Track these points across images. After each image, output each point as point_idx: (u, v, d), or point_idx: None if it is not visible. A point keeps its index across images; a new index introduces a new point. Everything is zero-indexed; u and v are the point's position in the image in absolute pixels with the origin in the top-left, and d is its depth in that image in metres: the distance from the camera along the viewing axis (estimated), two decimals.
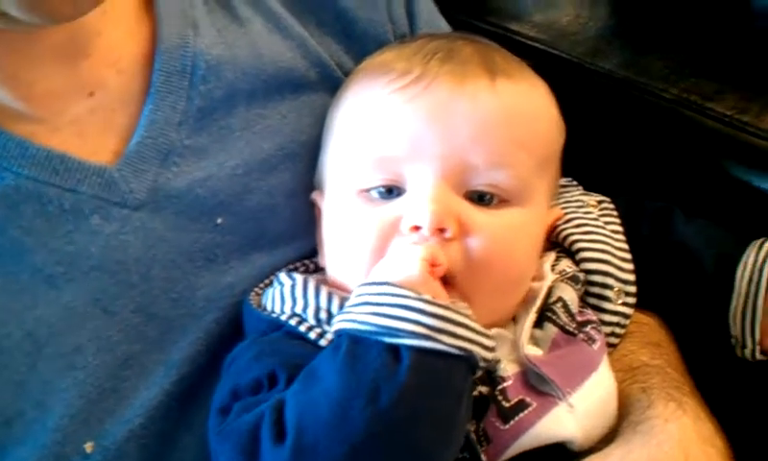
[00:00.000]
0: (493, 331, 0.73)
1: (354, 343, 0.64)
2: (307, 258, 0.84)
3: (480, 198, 0.74)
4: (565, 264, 0.82)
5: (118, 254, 0.75)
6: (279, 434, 0.64)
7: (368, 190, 0.76)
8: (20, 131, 0.74)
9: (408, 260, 0.67)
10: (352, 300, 0.67)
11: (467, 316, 0.64)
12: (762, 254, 0.85)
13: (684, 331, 0.90)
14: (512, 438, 0.70)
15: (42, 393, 0.72)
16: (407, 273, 0.66)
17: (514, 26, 1.22)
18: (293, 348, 0.73)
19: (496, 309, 0.75)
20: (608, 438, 0.73)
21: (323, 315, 0.75)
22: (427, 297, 0.64)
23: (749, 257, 0.86)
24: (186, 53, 0.80)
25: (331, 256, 0.79)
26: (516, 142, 0.75)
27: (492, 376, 0.72)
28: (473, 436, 0.69)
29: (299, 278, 0.78)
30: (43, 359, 0.72)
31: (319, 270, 0.83)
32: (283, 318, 0.76)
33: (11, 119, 0.74)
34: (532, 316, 0.75)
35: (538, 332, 0.76)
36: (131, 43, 0.80)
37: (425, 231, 0.71)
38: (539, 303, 0.76)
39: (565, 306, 0.77)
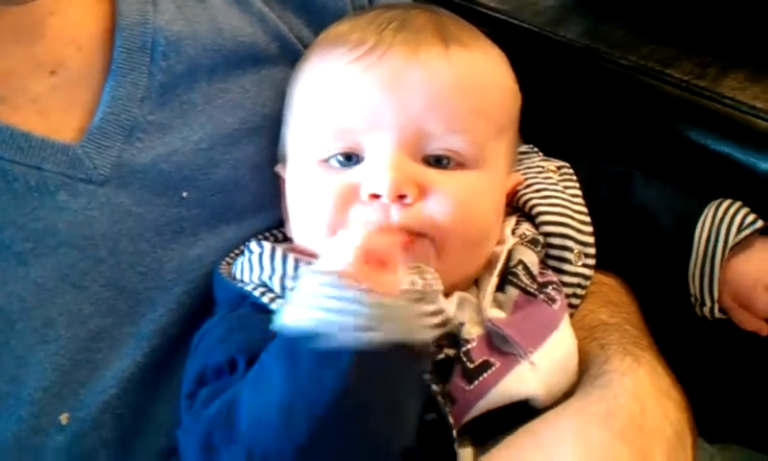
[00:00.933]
0: (456, 295, 0.75)
1: (293, 341, 0.63)
2: (275, 229, 0.85)
3: (437, 161, 0.76)
4: (525, 228, 0.83)
5: (85, 230, 0.76)
6: (231, 438, 0.65)
7: (327, 159, 0.77)
8: None
9: (344, 249, 0.64)
10: (297, 289, 0.65)
11: (406, 302, 0.62)
12: (720, 213, 0.88)
13: (645, 292, 0.92)
14: (476, 398, 0.72)
15: (16, 367, 0.73)
16: (344, 263, 0.63)
17: None
18: (257, 326, 0.71)
19: (463, 267, 0.77)
20: (569, 394, 0.75)
21: (287, 283, 0.76)
22: (364, 288, 0.61)
23: (707, 217, 0.88)
24: (146, 29, 0.81)
25: (295, 225, 0.81)
26: (470, 109, 0.77)
27: (456, 339, 0.73)
28: (440, 398, 0.71)
29: (267, 245, 0.80)
30: (15, 334, 0.73)
31: (287, 239, 0.84)
32: (249, 288, 0.77)
33: None
34: (494, 280, 0.77)
35: (500, 296, 0.77)
36: (90, 21, 0.80)
37: (385, 199, 0.73)
38: (500, 266, 0.78)
39: (526, 269, 0.79)
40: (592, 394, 0.73)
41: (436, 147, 0.76)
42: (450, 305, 0.74)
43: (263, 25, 0.87)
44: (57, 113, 0.77)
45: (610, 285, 0.89)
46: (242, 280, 0.79)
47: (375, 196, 0.73)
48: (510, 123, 0.82)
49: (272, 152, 0.86)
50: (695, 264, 0.88)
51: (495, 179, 0.79)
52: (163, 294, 0.79)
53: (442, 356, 0.72)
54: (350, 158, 0.77)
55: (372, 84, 0.76)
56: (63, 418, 0.74)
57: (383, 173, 0.73)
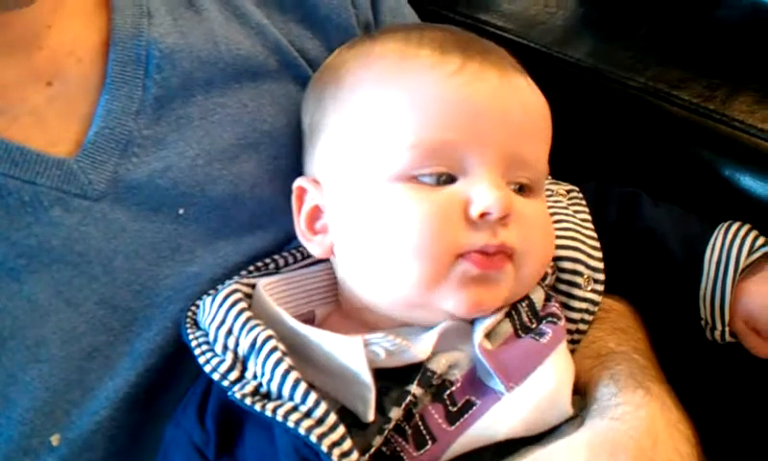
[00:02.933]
0: (440, 328, 0.73)
1: None
2: (274, 247, 0.83)
3: (520, 188, 0.77)
4: None
5: (80, 246, 0.75)
6: None
7: (415, 177, 0.74)
8: None
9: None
10: None
11: None
12: (730, 235, 0.86)
13: (654, 315, 0.90)
14: (454, 438, 0.70)
15: (6, 386, 0.72)
16: None
17: (483, 16, 1.22)
18: None
19: (527, 289, 0.77)
20: (562, 426, 0.73)
21: (222, 332, 0.74)
22: None
23: (717, 240, 0.87)
24: (140, 42, 0.80)
25: (361, 254, 0.77)
26: (544, 138, 0.79)
27: (441, 385, 0.72)
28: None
29: (222, 292, 0.76)
30: (7, 353, 0.72)
31: (288, 265, 0.83)
32: (193, 342, 0.75)
33: None
34: (499, 315, 0.75)
35: (495, 328, 0.75)
36: (87, 33, 0.79)
37: (494, 217, 0.72)
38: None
39: (531, 306, 0.78)
40: (602, 427, 0.71)
41: (521, 174, 0.76)
42: (428, 345, 0.72)
43: (262, 38, 0.86)
44: (53, 126, 0.76)
45: (618, 311, 0.87)
46: (201, 328, 0.76)
47: (484, 215, 0.72)
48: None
49: (271, 168, 0.84)
50: (705, 287, 0.86)
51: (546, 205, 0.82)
52: (159, 312, 0.77)
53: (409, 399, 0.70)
54: (442, 177, 0.74)
55: (475, 102, 0.74)
56: (54, 439, 0.73)
57: (494, 191, 0.72)
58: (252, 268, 0.81)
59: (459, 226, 0.72)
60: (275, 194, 0.83)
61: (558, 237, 0.83)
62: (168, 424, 0.76)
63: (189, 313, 0.77)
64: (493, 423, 0.70)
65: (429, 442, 0.69)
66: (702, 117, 1.05)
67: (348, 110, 0.78)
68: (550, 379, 0.73)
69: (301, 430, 0.66)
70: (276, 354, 0.70)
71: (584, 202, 0.88)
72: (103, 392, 0.74)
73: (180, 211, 0.79)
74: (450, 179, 0.74)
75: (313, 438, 0.66)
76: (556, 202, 0.87)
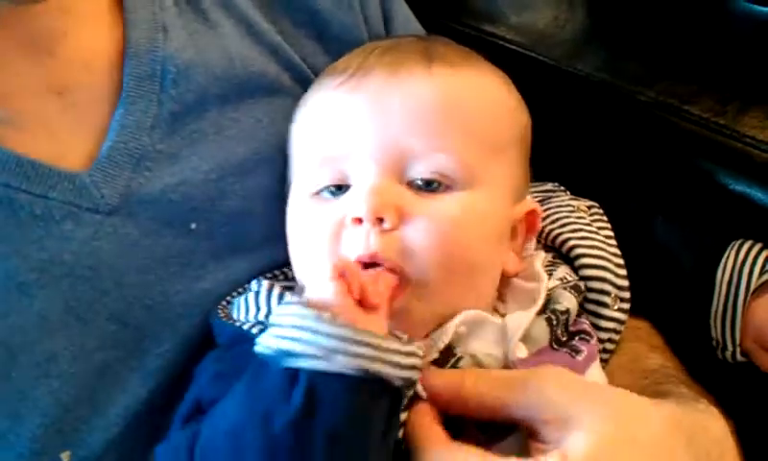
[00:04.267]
0: (472, 314, 0.72)
1: (259, 366, 0.63)
2: (284, 262, 0.82)
3: (427, 185, 0.73)
4: (565, 271, 0.81)
5: (91, 261, 0.74)
6: (190, 457, 0.65)
7: (318, 192, 0.76)
8: None
9: (320, 282, 0.65)
10: (274, 318, 0.66)
11: (373, 334, 0.62)
12: (741, 255, 0.86)
13: (666, 333, 0.90)
14: (492, 444, 0.69)
15: (17, 402, 0.71)
16: (320, 293, 0.64)
17: (491, 28, 1.22)
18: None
19: (449, 300, 0.73)
20: None
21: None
22: (325, 316, 0.62)
23: (728, 259, 0.86)
24: (156, 57, 0.79)
25: (294, 260, 0.79)
26: (455, 127, 0.74)
27: None
28: None
29: (264, 284, 0.78)
30: (17, 368, 0.71)
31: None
32: (246, 327, 0.74)
33: None
34: (531, 316, 0.74)
35: (533, 331, 0.74)
36: (102, 45, 0.79)
37: (366, 223, 0.71)
38: (540, 304, 0.75)
39: (567, 318, 0.76)
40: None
41: (420, 169, 0.73)
42: (449, 330, 0.72)
43: (275, 55, 0.86)
44: (65, 137, 0.76)
45: (644, 329, 0.87)
46: (239, 320, 0.76)
47: (358, 220, 0.71)
48: (510, 143, 0.79)
49: (283, 183, 0.84)
50: (717, 307, 0.86)
51: (490, 201, 0.75)
52: (170, 328, 0.77)
53: None
54: (341, 189, 0.75)
55: (353, 109, 0.75)
56: (65, 456, 0.72)
57: (362, 197, 0.71)
58: (269, 275, 0.82)
59: (340, 237, 0.73)
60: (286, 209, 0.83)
61: (586, 256, 0.82)
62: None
63: (221, 313, 0.77)
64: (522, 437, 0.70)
65: None
66: (712, 132, 1.04)
67: (294, 132, 0.82)
68: None
69: None
70: None
71: (605, 218, 0.87)
72: (113, 409, 0.74)
73: (192, 226, 0.79)
74: (346, 189, 0.75)
75: None
76: (579, 218, 0.86)
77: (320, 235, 0.74)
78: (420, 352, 0.65)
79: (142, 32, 0.80)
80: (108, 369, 0.74)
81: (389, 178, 0.72)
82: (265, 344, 0.64)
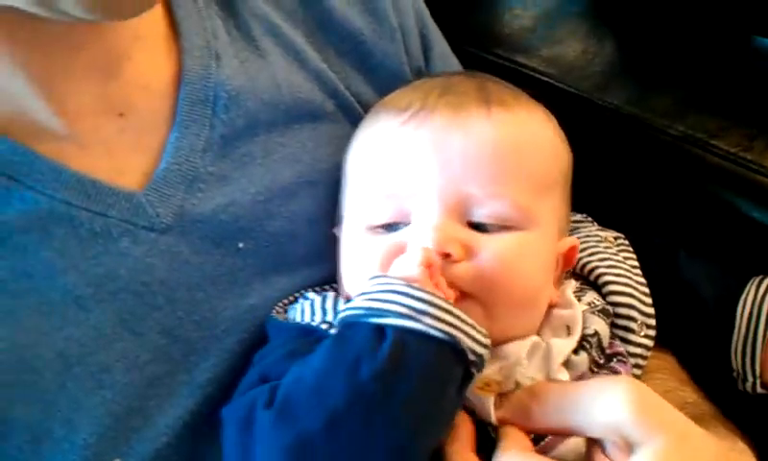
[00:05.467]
0: (530, 341, 0.75)
1: (346, 326, 0.69)
2: (327, 283, 0.85)
3: (481, 226, 0.76)
4: (592, 297, 0.83)
5: (145, 277, 0.77)
6: (270, 401, 0.68)
7: (375, 227, 0.79)
8: (51, 151, 0.76)
9: (408, 262, 0.70)
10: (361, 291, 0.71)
11: (455, 308, 0.67)
12: (762, 290, 0.88)
13: (688, 363, 0.92)
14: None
15: (71, 411, 0.73)
16: (406, 272, 0.69)
17: (521, 59, 1.25)
18: None
19: (513, 326, 0.76)
20: None
21: None
22: (416, 284, 0.67)
23: (749, 294, 0.89)
24: (209, 83, 0.82)
25: (346, 287, 0.82)
26: (511, 170, 0.77)
27: None
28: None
29: (330, 293, 0.82)
30: (72, 378, 0.74)
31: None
32: (314, 324, 0.78)
33: (41, 138, 0.76)
34: (573, 343, 0.77)
35: (573, 357, 0.77)
36: (160, 70, 0.82)
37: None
38: (579, 331, 0.78)
39: (599, 340, 0.79)
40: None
41: (479, 213, 0.76)
42: (523, 349, 0.75)
43: (320, 83, 0.89)
44: (123, 156, 0.79)
45: (670, 362, 0.90)
46: (303, 321, 0.79)
47: None
48: (557, 181, 0.82)
49: (327, 206, 0.87)
50: (737, 340, 0.88)
51: (542, 238, 0.79)
52: (217, 343, 0.79)
53: None
54: (398, 226, 0.78)
55: (416, 148, 0.77)
56: None
57: (426, 232, 0.74)
58: (317, 288, 0.84)
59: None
60: (330, 231, 0.86)
61: (614, 283, 0.85)
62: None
63: (277, 317, 0.80)
64: (576, 449, 0.72)
65: None
66: (740, 167, 1.07)
67: (350, 163, 0.85)
68: None
69: None
70: None
71: (631, 249, 0.90)
72: (163, 419, 0.76)
73: (240, 245, 0.81)
74: (399, 227, 0.78)
75: None
76: (606, 248, 0.88)
77: (374, 264, 0.76)
78: (489, 341, 0.69)
79: (196, 59, 0.83)
80: (158, 381, 0.77)
81: (451, 218, 0.75)
82: (353, 307, 0.69)
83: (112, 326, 0.75)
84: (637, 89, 1.20)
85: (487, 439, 0.71)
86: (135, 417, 0.75)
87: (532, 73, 1.21)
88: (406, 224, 0.77)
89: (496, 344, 0.74)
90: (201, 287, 0.79)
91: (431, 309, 0.66)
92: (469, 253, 0.74)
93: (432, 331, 0.65)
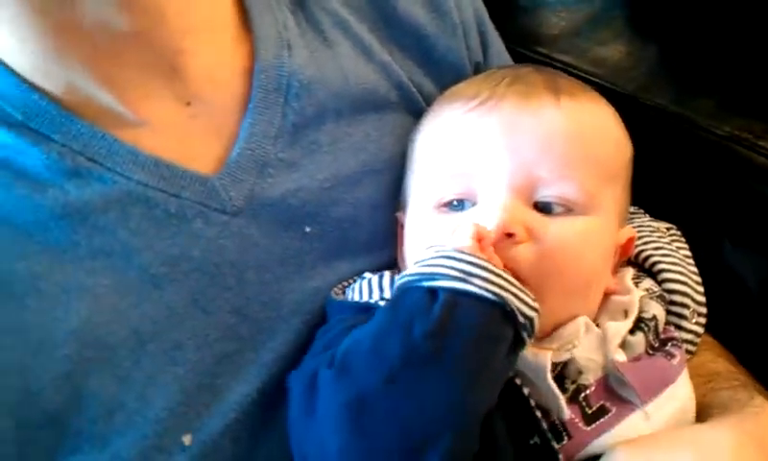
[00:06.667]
0: (583, 321, 0.78)
1: (400, 291, 0.72)
2: (386, 267, 0.88)
3: (547, 207, 0.79)
4: (649, 283, 0.86)
5: (216, 258, 0.79)
6: (331, 363, 0.71)
7: (443, 204, 0.81)
8: (127, 136, 0.78)
9: (460, 233, 0.73)
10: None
11: (504, 272, 0.70)
12: None
13: (731, 350, 0.95)
14: (591, 438, 0.75)
15: (144, 386, 0.76)
16: (458, 242, 0.73)
17: (568, 59, 1.27)
18: None
19: (566, 309, 0.78)
20: None
21: None
22: (466, 250, 0.71)
23: None
24: (282, 72, 0.85)
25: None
26: (579, 156, 0.80)
27: (576, 389, 0.76)
28: (544, 424, 0.74)
29: (386, 272, 0.84)
30: (146, 355, 0.76)
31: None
32: (372, 301, 0.81)
33: (116, 123, 0.78)
34: (628, 324, 0.80)
35: (629, 338, 0.80)
36: (229, 60, 0.85)
37: (493, 236, 0.76)
38: (635, 314, 0.81)
39: (656, 325, 0.82)
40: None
41: (546, 194, 0.78)
42: (580, 329, 0.77)
43: (386, 74, 0.91)
44: (195, 142, 0.81)
45: (710, 341, 0.93)
46: (361, 300, 0.82)
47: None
48: (619, 172, 0.84)
49: (388, 194, 0.89)
50: None
51: (603, 226, 0.81)
52: (283, 324, 0.82)
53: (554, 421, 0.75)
54: (464, 204, 0.80)
55: (486, 132, 0.80)
56: (186, 439, 0.77)
57: (493, 211, 0.76)
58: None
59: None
60: (391, 218, 0.89)
61: (669, 271, 0.87)
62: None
63: (336, 297, 0.83)
64: (628, 431, 0.75)
65: (566, 438, 0.74)
66: None
67: (417, 148, 0.88)
68: (681, 398, 0.79)
69: None
70: None
71: (683, 239, 0.92)
72: (231, 396, 0.79)
73: (307, 229, 0.84)
74: (472, 205, 0.80)
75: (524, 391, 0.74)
76: (660, 237, 0.91)
77: (440, 240, 0.78)
78: (537, 306, 0.72)
79: (270, 49, 0.85)
80: (227, 359, 0.79)
81: (517, 198, 0.78)
82: (407, 273, 0.72)
83: (185, 304, 0.78)
84: (681, 91, 1.21)
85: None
86: (205, 393, 0.78)
87: (580, 73, 1.23)
88: (473, 203, 0.80)
89: (545, 328, 0.77)
90: (269, 269, 0.82)
91: (480, 271, 0.69)
92: (533, 235, 0.77)
93: (481, 291, 0.69)
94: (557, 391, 0.74)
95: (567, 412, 0.74)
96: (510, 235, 0.76)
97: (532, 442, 0.74)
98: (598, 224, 0.80)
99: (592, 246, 0.80)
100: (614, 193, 0.83)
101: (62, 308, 0.74)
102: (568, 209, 0.79)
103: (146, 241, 0.77)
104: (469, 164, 0.80)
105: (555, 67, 1.23)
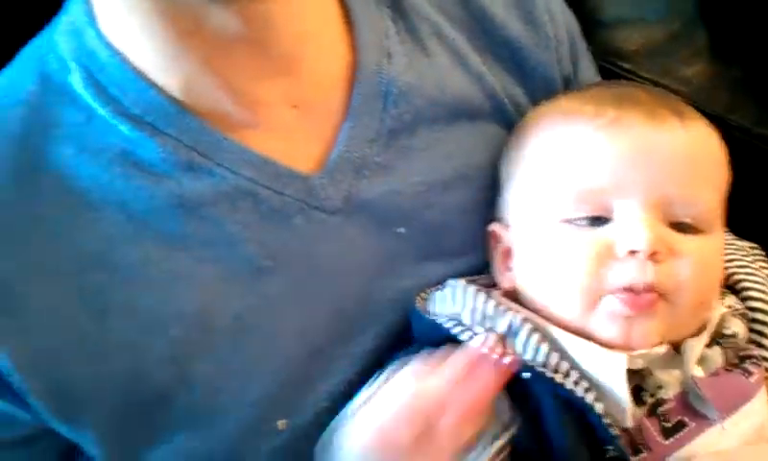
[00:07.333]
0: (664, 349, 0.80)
1: None
2: (476, 273, 0.90)
3: (680, 226, 0.81)
4: (732, 300, 0.88)
5: (314, 254, 0.83)
6: None
7: (569, 220, 0.83)
8: (236, 134, 0.82)
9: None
10: None
11: None
12: None
13: None
14: (669, 452, 0.77)
15: (244, 372, 0.80)
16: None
17: (652, 76, 1.28)
18: None
19: (695, 325, 0.82)
20: None
21: (477, 316, 0.83)
22: None
23: None
24: (382, 79, 0.88)
25: (536, 283, 0.85)
26: (703, 176, 0.83)
27: (655, 403, 0.79)
28: (620, 442, 0.76)
29: (460, 282, 0.86)
30: (246, 343, 0.80)
31: (489, 286, 0.90)
32: (440, 320, 0.83)
33: (228, 122, 0.82)
34: (705, 339, 0.82)
35: (708, 352, 0.82)
36: (333, 66, 0.88)
37: (642, 255, 0.78)
38: (713, 329, 0.83)
39: (737, 342, 0.84)
40: None
41: (680, 212, 0.81)
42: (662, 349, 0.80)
43: (481, 85, 0.94)
44: (296, 143, 0.85)
45: None
46: (435, 313, 0.85)
47: (632, 252, 0.79)
48: (724, 193, 0.87)
49: (477, 201, 0.92)
50: None
51: (720, 245, 0.86)
52: (375, 320, 0.85)
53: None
54: (598, 220, 0.82)
55: (620, 152, 0.82)
56: (281, 424, 0.81)
57: (640, 230, 0.79)
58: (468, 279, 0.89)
59: (606, 265, 0.80)
60: (480, 224, 0.91)
61: (752, 289, 0.88)
62: None
63: (418, 305, 0.86)
64: (705, 446, 0.77)
65: (644, 451, 0.76)
66: None
67: (528, 162, 0.88)
68: (759, 415, 0.80)
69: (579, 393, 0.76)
70: (536, 336, 0.80)
71: (766, 258, 0.93)
72: (323, 386, 0.82)
73: (400, 230, 0.87)
74: (605, 221, 0.82)
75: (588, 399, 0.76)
76: (744, 256, 0.92)
77: (582, 260, 0.81)
78: None
79: (371, 55, 0.89)
80: (321, 351, 0.83)
81: (654, 216, 0.80)
82: None
83: (283, 297, 0.82)
84: (765, 112, 1.22)
85: None
86: (299, 383, 0.82)
87: (668, 90, 1.23)
88: (605, 220, 0.82)
89: (677, 343, 0.80)
90: (363, 267, 0.85)
91: None
92: (673, 253, 0.80)
93: None
94: (625, 395, 0.76)
95: (631, 420, 0.76)
96: (653, 254, 0.78)
97: (609, 454, 0.76)
98: (717, 243, 0.84)
99: (719, 263, 0.85)
100: (722, 212, 0.86)
101: (172, 293, 0.79)
102: (698, 228, 0.82)
103: (251, 234, 0.81)
104: (602, 182, 0.82)
105: (642, 83, 1.25)
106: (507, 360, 0.73)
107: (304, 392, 0.82)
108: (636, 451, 0.76)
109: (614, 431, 0.75)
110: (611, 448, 0.75)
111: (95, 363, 0.77)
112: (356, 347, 0.84)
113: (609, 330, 0.80)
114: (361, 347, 0.85)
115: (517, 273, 0.88)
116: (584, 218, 0.82)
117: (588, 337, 0.80)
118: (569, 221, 0.83)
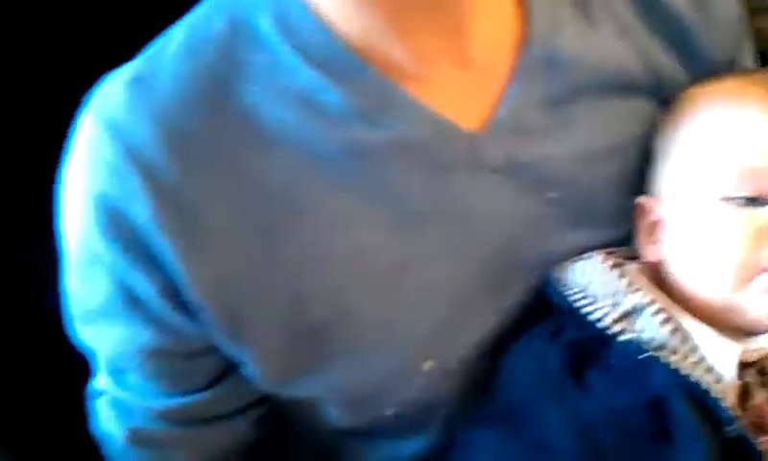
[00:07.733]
0: None
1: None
2: (621, 245, 0.93)
3: None
4: None
5: (471, 210, 0.87)
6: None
7: (732, 198, 0.85)
8: (409, 88, 0.86)
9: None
10: None
11: None
12: None
13: None
14: None
15: (398, 314, 0.86)
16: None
17: None
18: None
19: None
20: None
21: (606, 290, 0.87)
22: None
23: None
24: (549, 48, 0.91)
25: (686, 257, 0.89)
26: None
27: None
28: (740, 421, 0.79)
29: (598, 256, 0.90)
30: (404, 287, 0.85)
31: (629, 259, 0.93)
32: (567, 292, 0.88)
33: (402, 76, 0.86)
34: None
35: None
36: (504, 31, 0.91)
37: None
38: None
39: None
40: None
41: None
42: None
43: (644, 60, 0.95)
44: (464, 101, 0.88)
45: None
46: (567, 283, 0.89)
47: None
48: None
49: (627, 173, 0.94)
50: None
51: None
52: (520, 278, 0.90)
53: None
54: (755, 200, 0.85)
55: None
56: (426, 365, 0.87)
57: None
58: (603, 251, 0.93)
59: (763, 245, 0.83)
60: (626, 197, 0.94)
61: None
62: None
63: (553, 276, 0.90)
64: None
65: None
66: None
67: (689, 139, 0.91)
68: None
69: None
70: (661, 317, 0.84)
71: None
72: (470, 335, 0.88)
73: (552, 194, 0.90)
74: (763, 202, 0.84)
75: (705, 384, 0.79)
76: None
77: (738, 238, 0.84)
78: None
79: (541, 23, 0.91)
80: (470, 302, 0.87)
81: None
82: None
83: (438, 248, 0.86)
84: None
85: None
86: (448, 329, 0.87)
87: None
88: (764, 200, 0.85)
89: None
90: (515, 225, 0.89)
91: None
92: None
93: None
94: (732, 384, 0.81)
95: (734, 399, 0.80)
96: None
97: (728, 435, 0.79)
98: None
99: None
100: None
101: (338, 232, 0.84)
102: None
103: (417, 185, 0.85)
104: (766, 162, 0.85)
105: None
106: None
107: (453, 338, 0.87)
108: (759, 434, 0.79)
109: (734, 412, 0.79)
110: (731, 428, 0.78)
111: (265, 291, 0.84)
112: (501, 302, 0.89)
113: (761, 307, 0.83)
114: (506, 302, 0.89)
115: (666, 245, 0.90)
116: (743, 198, 0.85)
117: (735, 314, 0.84)
118: (728, 199, 0.85)
